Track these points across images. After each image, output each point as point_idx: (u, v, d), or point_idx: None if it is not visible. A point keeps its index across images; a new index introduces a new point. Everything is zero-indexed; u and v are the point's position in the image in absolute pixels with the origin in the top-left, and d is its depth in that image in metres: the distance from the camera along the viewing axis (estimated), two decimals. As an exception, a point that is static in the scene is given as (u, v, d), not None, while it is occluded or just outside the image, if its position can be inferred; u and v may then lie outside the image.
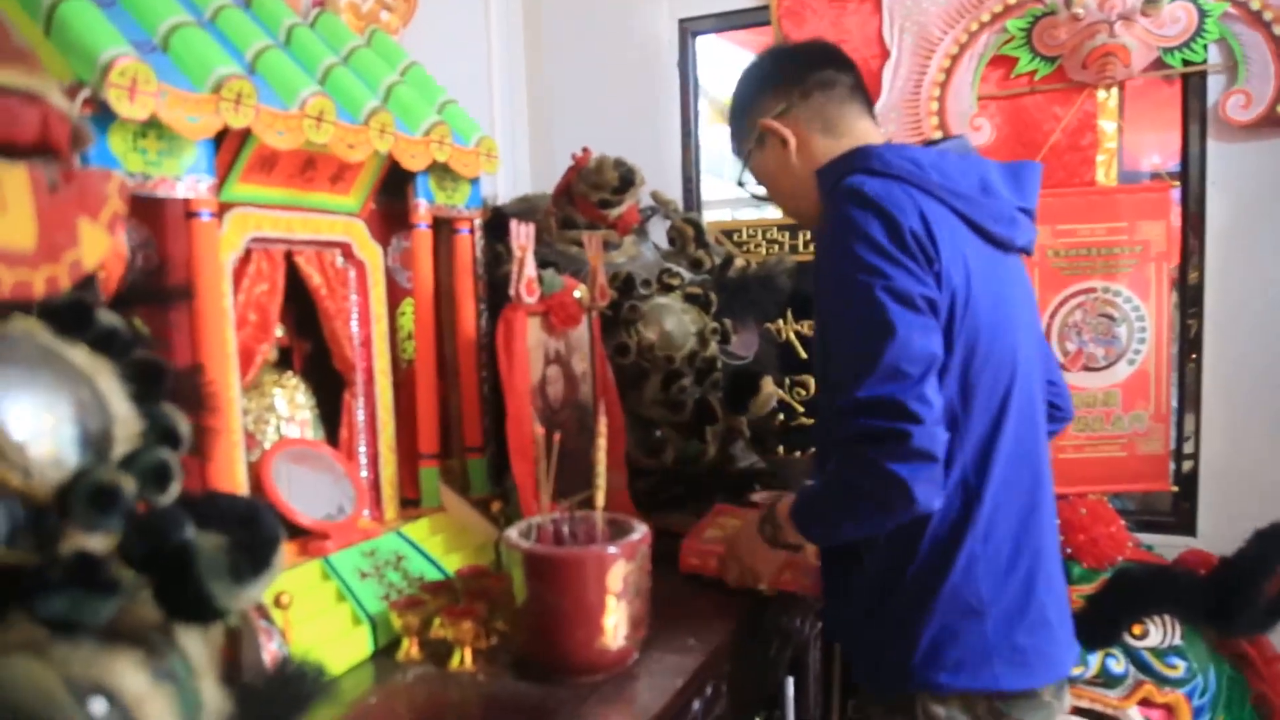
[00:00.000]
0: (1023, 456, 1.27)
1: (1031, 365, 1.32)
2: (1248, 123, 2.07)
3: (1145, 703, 1.83)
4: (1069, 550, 1.89)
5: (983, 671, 1.22)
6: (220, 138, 1.15)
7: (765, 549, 1.41)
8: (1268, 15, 2.04)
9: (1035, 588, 1.26)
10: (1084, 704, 1.85)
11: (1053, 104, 2.23)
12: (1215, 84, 2.12)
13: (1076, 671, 1.84)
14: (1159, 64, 2.14)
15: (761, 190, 1.49)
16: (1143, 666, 1.86)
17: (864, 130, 1.38)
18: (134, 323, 0.78)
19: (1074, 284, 2.14)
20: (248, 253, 1.28)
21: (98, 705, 0.54)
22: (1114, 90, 2.17)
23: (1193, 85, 2.15)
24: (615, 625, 1.15)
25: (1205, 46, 2.10)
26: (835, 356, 1.23)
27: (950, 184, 1.24)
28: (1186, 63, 2.12)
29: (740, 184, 1.51)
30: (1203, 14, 2.07)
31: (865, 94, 1.41)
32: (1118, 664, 1.84)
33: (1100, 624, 1.83)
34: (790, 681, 1.92)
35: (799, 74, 1.39)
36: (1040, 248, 2.18)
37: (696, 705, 1.23)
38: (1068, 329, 2.16)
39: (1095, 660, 1.85)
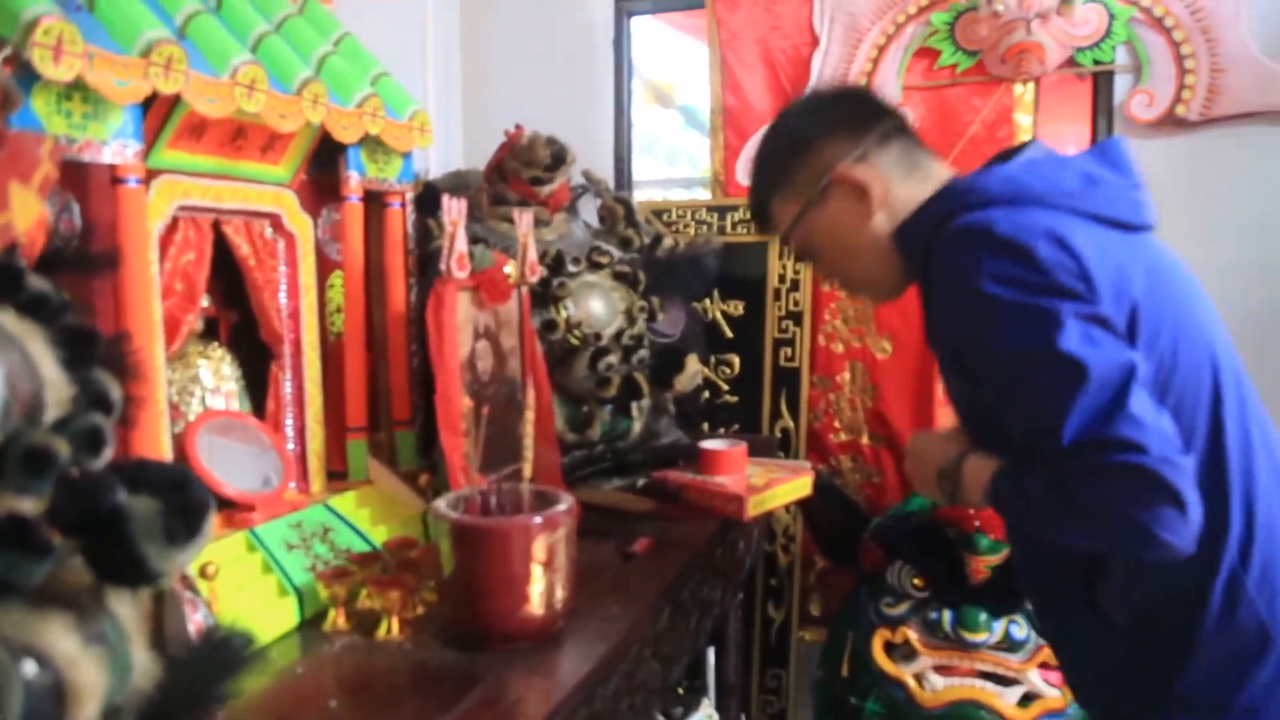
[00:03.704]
0: (1256, 450, 1.12)
1: (1226, 343, 1.17)
2: (1150, 121, 2.19)
3: (1044, 665, 1.93)
4: (977, 523, 1.96)
5: None
6: (148, 103, 1.13)
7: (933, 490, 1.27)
8: (1169, 22, 2.15)
9: None
10: (988, 667, 1.95)
11: (973, 96, 2.31)
12: (1122, 83, 2.23)
13: (982, 637, 1.93)
14: (1072, 62, 2.24)
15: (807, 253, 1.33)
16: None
17: (944, 172, 1.25)
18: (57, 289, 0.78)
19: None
20: (175, 221, 1.26)
21: (29, 666, 0.55)
22: (1030, 85, 2.26)
23: (1102, 83, 2.26)
24: (541, 594, 1.18)
25: (1114, 48, 2.21)
26: (1016, 402, 1.05)
27: (1057, 186, 1.11)
28: (1097, 62, 2.22)
29: (785, 244, 1.35)
30: (1112, 17, 2.18)
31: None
32: (1020, 630, 1.94)
33: (1005, 592, 1.93)
34: (711, 651, 1.98)
35: (871, 114, 1.25)
36: (958, 235, 2.26)
37: (620, 672, 1.26)
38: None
39: (1000, 626, 1.94)
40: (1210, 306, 1.20)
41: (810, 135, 1.25)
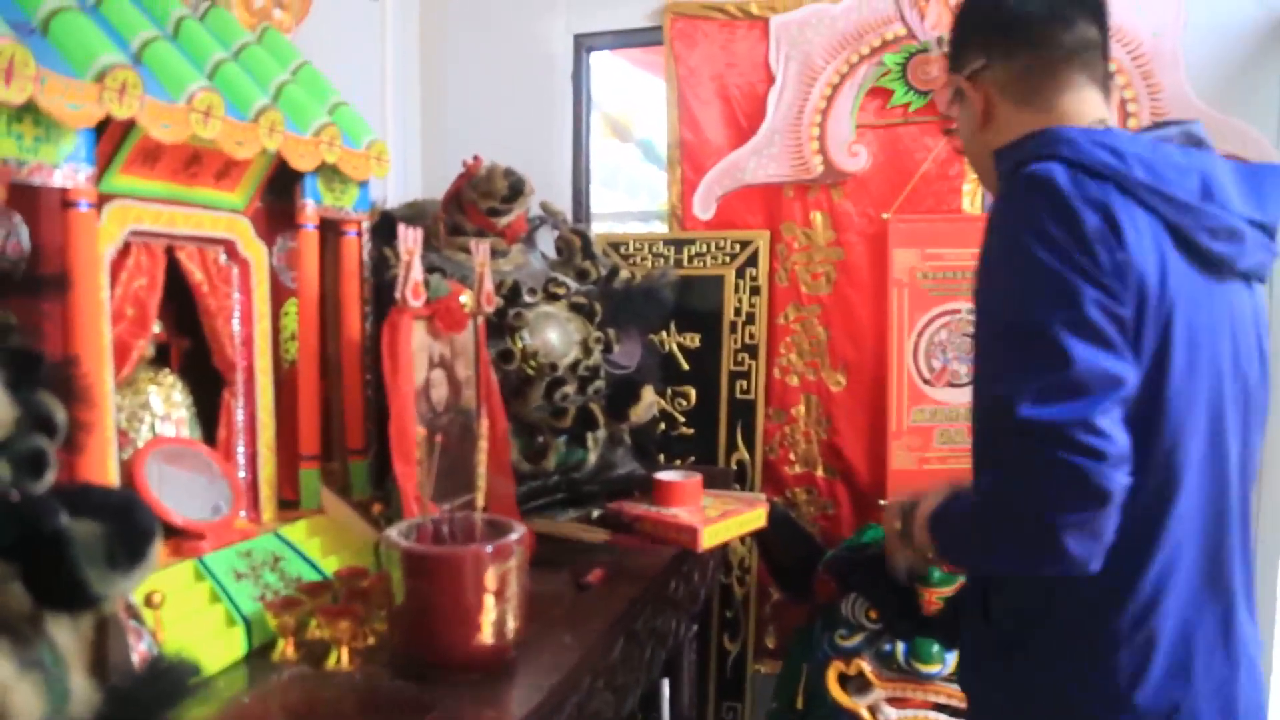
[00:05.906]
0: (1202, 528, 1.08)
1: (1234, 417, 1.10)
2: (1096, 161, 2.25)
3: (995, 699, 1.94)
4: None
5: None
6: (101, 127, 1.13)
7: (900, 546, 1.29)
8: (1111, 66, 2.21)
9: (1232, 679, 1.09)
10: (941, 699, 1.96)
11: (924, 135, 2.37)
12: (1068, 124, 2.29)
13: (935, 669, 1.94)
14: (1020, 103, 2.30)
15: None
16: (993, 666, 1.97)
17: (1073, 107, 1.16)
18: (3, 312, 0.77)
19: (940, 305, 2.28)
20: (127, 246, 1.25)
21: (-38, 692, 0.54)
22: (979, 125, 2.32)
23: (1049, 124, 2.32)
24: (492, 623, 1.17)
25: (1059, 89, 2.27)
26: (993, 363, 1.05)
27: (1158, 183, 1.03)
28: (1043, 103, 2.28)
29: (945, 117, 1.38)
30: (1058, 59, 2.25)
31: (1100, 55, 1.19)
32: (970, 663, 1.95)
33: (958, 624, 1.94)
34: (665, 683, 1.97)
35: (1010, 25, 1.17)
36: (910, 270, 2.30)
37: (572, 702, 1.26)
38: (934, 347, 2.29)
39: (952, 658, 1.95)
40: (1258, 379, 1.14)
41: (963, 30, 1.24)
